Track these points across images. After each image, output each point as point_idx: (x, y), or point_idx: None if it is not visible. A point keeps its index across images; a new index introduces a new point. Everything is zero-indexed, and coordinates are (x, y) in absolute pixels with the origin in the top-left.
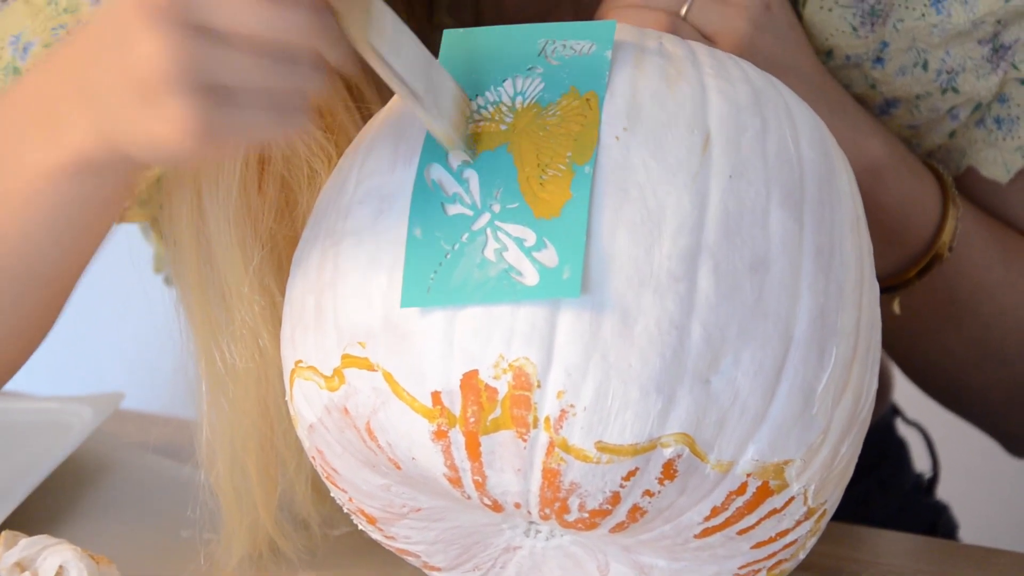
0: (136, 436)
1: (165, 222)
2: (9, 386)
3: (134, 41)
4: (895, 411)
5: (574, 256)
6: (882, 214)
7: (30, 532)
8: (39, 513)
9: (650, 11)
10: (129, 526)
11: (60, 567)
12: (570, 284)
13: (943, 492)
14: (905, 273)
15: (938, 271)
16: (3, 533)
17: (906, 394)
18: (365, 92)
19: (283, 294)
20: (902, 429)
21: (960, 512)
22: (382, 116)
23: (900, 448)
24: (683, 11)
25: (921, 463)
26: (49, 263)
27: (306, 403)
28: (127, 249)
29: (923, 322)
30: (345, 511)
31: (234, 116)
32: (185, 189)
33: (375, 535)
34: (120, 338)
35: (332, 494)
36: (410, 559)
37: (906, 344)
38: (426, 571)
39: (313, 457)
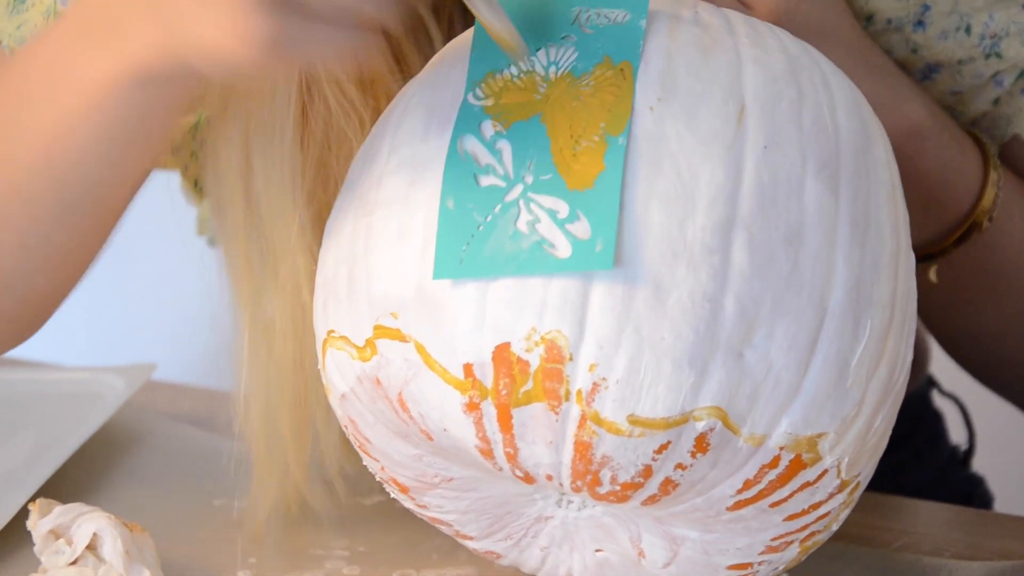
0: (168, 407)
1: (210, 175)
2: (40, 356)
3: None
4: (931, 383)
5: (607, 228)
6: (921, 180)
7: (64, 500)
8: (73, 482)
9: None
10: (162, 495)
11: (94, 534)
12: (603, 256)
13: (979, 465)
14: (942, 242)
15: (976, 240)
16: (38, 501)
17: (942, 366)
18: (409, 58)
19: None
20: (938, 401)
21: (996, 485)
22: (416, 84)
23: (936, 420)
24: None
25: (957, 435)
26: (105, 177)
27: (338, 373)
28: (159, 220)
29: (960, 292)
30: (378, 480)
31: (304, 29)
32: (234, 141)
33: (408, 504)
34: (152, 309)
35: (365, 463)
36: (443, 528)
37: (942, 315)
38: (459, 540)
39: (345, 426)
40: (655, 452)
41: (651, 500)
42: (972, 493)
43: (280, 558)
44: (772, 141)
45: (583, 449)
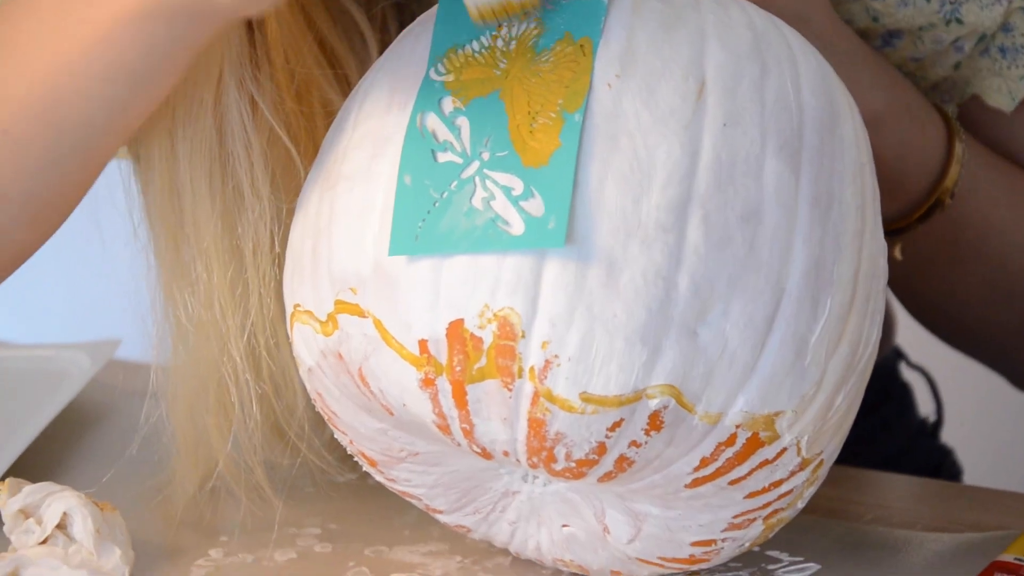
0: (134, 384)
1: (143, 165)
2: (2, 334)
3: None
4: (899, 354)
5: (560, 206)
6: (880, 165)
7: (33, 479)
8: (41, 460)
9: None
10: (131, 473)
11: (64, 514)
12: (555, 234)
13: (947, 437)
14: (906, 219)
15: (941, 216)
16: (7, 480)
17: (911, 338)
18: (344, 60)
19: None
20: (906, 373)
21: (964, 457)
22: (384, 57)
23: (903, 391)
24: None
25: (925, 407)
26: (103, 123)
27: (304, 347)
28: (121, 195)
29: (928, 264)
30: (349, 453)
31: None
32: (160, 132)
33: (378, 477)
34: (115, 285)
35: (335, 436)
36: (413, 501)
37: (911, 286)
38: (430, 514)
39: (314, 400)
40: (608, 429)
41: (607, 477)
42: (940, 464)
43: (252, 536)
44: (732, 119)
45: (537, 426)
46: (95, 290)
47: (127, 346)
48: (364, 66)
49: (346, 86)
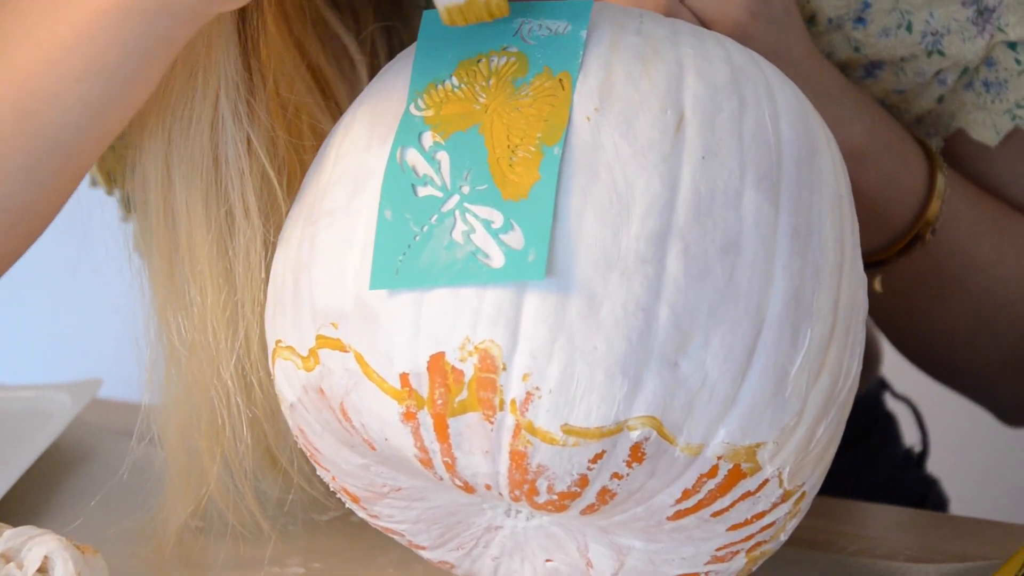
0: (117, 424)
1: (137, 189)
2: None
3: None
4: (883, 385)
5: (540, 238)
6: (861, 198)
7: (13, 523)
8: (21, 502)
9: None
10: (113, 514)
11: (45, 557)
12: (535, 266)
13: (933, 467)
14: (887, 251)
15: (922, 249)
16: None
17: (895, 369)
18: (334, 86)
19: (247, 279)
20: (891, 403)
21: (951, 487)
22: (364, 93)
23: (888, 422)
24: None
25: (910, 438)
26: (81, 123)
27: (286, 383)
28: (101, 233)
29: (911, 299)
30: (332, 489)
31: None
32: (156, 156)
33: (361, 514)
34: (96, 325)
35: (318, 473)
36: (396, 538)
37: (895, 320)
38: (413, 550)
39: (296, 436)
40: (590, 461)
41: (590, 509)
42: (926, 495)
43: (236, 574)
44: (710, 151)
45: (518, 458)
46: (76, 330)
47: (109, 385)
48: (354, 90)
49: (336, 111)
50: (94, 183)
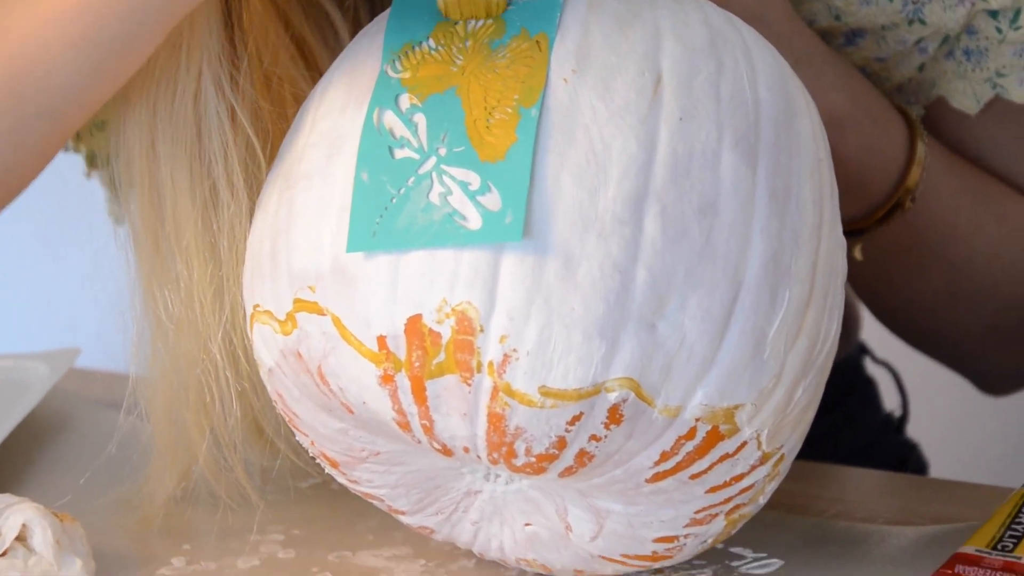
0: (94, 393)
1: (122, 164)
2: None
3: None
4: (863, 350)
5: (517, 200)
6: (841, 165)
7: None
8: (1, 472)
9: None
10: (91, 483)
11: (24, 525)
12: (512, 228)
13: (913, 431)
14: (866, 220)
15: (902, 218)
16: None
17: (875, 333)
18: (317, 53)
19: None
20: (871, 368)
21: (930, 451)
22: (341, 57)
23: (868, 386)
24: None
25: (890, 403)
26: (79, 79)
27: (264, 347)
28: (81, 204)
29: (889, 267)
30: (311, 455)
31: None
32: (141, 130)
33: (340, 479)
34: (75, 293)
35: (297, 439)
36: (376, 503)
37: (874, 287)
38: (393, 515)
39: (275, 401)
40: (568, 423)
41: (568, 471)
42: (906, 459)
43: (214, 544)
44: (688, 113)
45: (496, 421)
46: (53, 299)
47: (87, 355)
48: None
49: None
50: (75, 150)
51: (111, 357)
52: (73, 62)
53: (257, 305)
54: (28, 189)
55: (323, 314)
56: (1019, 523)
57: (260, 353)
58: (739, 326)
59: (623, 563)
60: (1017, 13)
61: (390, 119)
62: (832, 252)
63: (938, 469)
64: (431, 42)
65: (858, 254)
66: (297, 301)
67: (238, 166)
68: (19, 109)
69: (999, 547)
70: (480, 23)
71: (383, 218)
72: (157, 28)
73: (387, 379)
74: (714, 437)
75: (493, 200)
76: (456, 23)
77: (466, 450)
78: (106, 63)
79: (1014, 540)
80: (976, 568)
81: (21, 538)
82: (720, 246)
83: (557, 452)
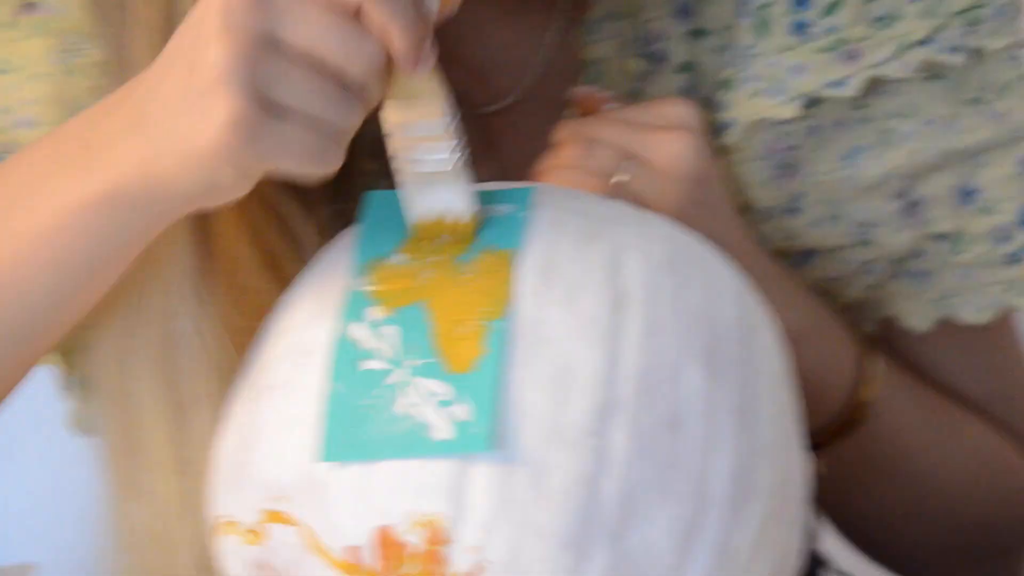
0: None
1: (92, 377)
2: None
3: (204, 47)
4: (818, 562)
5: (485, 411)
6: (798, 382)
7: None
8: None
9: (587, 174)
10: None
11: None
12: (481, 439)
13: None
14: (823, 435)
15: (862, 433)
16: None
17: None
18: (284, 264)
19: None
20: None
21: None
22: (307, 271)
23: None
24: (620, 179)
25: None
26: (53, 301)
27: (231, 558)
28: (42, 412)
29: (847, 481)
30: None
31: (280, 131)
32: (109, 345)
33: None
34: (32, 506)
35: None
36: None
37: (833, 502)
38: None
39: None
40: None
41: None
42: None
43: None
44: (651, 328)
45: None
46: (9, 512)
47: (45, 570)
48: None
49: None
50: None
51: (71, 572)
52: (45, 285)
53: (223, 516)
54: None
55: (293, 524)
56: None
57: (227, 564)
58: (705, 539)
59: None
60: (960, 237)
61: (360, 331)
62: (793, 465)
63: None
64: (400, 256)
65: (823, 468)
66: (265, 512)
67: (208, 379)
68: (11, 328)
69: None
70: (447, 238)
71: (353, 429)
72: (133, 246)
73: None
74: None
75: (462, 411)
76: (424, 239)
77: None
78: (80, 285)
79: None
80: None
81: None
82: (686, 460)
83: None
